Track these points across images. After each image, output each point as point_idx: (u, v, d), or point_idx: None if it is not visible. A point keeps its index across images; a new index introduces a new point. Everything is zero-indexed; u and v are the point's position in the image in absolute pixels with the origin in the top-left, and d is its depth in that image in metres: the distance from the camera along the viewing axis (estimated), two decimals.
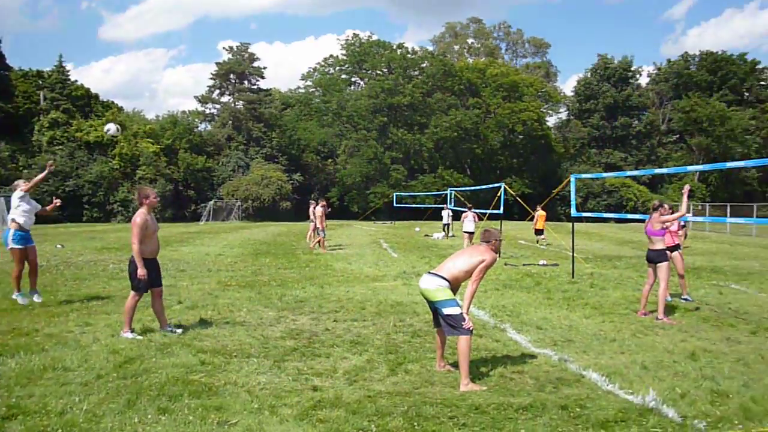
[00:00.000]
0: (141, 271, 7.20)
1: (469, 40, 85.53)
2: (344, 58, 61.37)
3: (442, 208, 29.83)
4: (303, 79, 63.46)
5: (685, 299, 10.86)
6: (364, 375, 6.04)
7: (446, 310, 5.85)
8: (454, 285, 6.03)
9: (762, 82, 77.92)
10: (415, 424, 4.71)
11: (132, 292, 7.40)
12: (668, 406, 5.10)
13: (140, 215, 7.33)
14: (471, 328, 5.85)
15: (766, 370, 6.32)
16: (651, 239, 9.34)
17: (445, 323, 5.91)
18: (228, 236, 28.09)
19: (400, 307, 9.71)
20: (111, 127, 11.70)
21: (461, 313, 5.84)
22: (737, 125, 67.65)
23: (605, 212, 50.32)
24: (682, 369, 6.32)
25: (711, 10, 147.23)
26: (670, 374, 6.11)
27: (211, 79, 59.35)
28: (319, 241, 19.80)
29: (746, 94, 76.27)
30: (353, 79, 63.64)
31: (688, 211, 15.39)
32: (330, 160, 59.68)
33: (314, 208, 20.50)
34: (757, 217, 41.37)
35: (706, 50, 78.06)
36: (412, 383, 5.80)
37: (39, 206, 9.95)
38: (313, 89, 62.32)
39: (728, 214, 42.25)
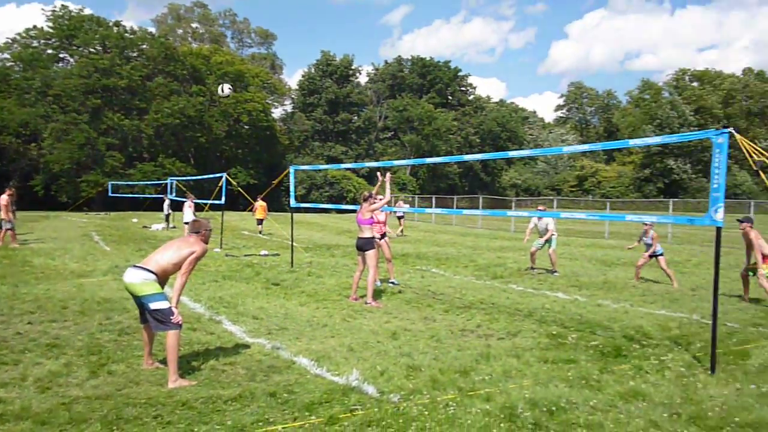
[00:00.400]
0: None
1: (194, 25, 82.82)
2: (51, 31, 55.18)
3: (163, 199, 28.53)
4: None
5: (392, 283, 11.77)
6: (60, 380, 5.50)
7: (153, 305, 5.59)
8: (162, 278, 5.78)
9: (462, 88, 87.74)
10: (114, 428, 4.41)
11: None
12: (369, 384, 5.46)
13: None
14: (180, 323, 5.66)
15: (454, 344, 7.10)
16: (361, 228, 9.89)
17: (152, 318, 5.63)
18: None
19: (108, 305, 9.04)
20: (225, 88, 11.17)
21: (169, 308, 5.63)
22: (442, 125, 75.31)
23: (327, 203, 52.46)
24: (384, 348, 6.81)
25: (423, 20, 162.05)
26: (373, 354, 6.55)
27: None
28: (6, 234, 17.29)
29: (450, 97, 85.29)
30: (62, 56, 57.52)
31: (395, 203, 16.58)
32: (34, 144, 53.32)
33: None
34: (456, 208, 46.50)
35: (417, 56, 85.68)
36: (115, 385, 5.42)
37: None
38: (12, 63, 55.00)
39: (433, 205, 46.83)
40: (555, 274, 13.71)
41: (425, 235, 27.37)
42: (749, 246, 10.50)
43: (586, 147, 8.12)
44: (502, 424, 4.57)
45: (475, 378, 5.73)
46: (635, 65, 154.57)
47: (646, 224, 12.63)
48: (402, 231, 26.79)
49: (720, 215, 5.90)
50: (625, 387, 5.48)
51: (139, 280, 5.66)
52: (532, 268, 14.25)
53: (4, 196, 17.21)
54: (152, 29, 67.88)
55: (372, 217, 9.94)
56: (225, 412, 4.78)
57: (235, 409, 4.85)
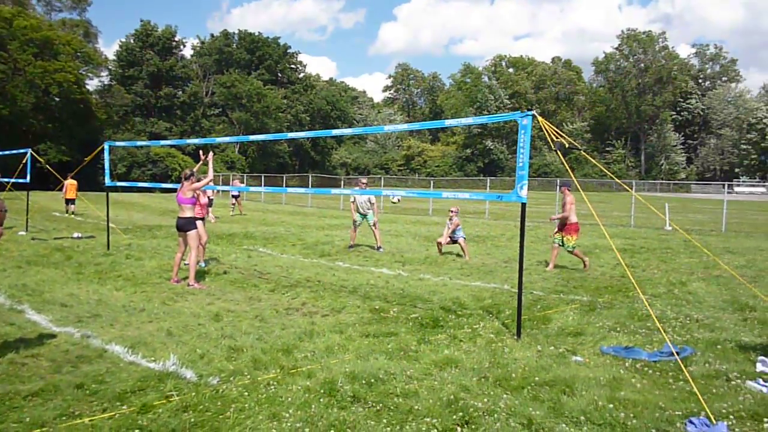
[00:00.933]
0: None
1: None
2: None
3: None
4: None
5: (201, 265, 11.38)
6: None
7: None
8: None
9: (292, 66, 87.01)
10: None
11: None
12: (187, 368, 5.27)
13: None
14: None
15: (279, 323, 7.06)
16: (182, 207, 9.51)
17: None
18: None
19: None
20: None
21: None
22: (272, 102, 74.30)
23: (150, 182, 49.90)
24: (205, 331, 6.61)
25: None
26: (194, 337, 6.34)
27: None
28: None
29: (279, 74, 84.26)
30: None
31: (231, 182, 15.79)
32: None
33: None
34: (286, 186, 46.25)
35: (245, 30, 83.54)
36: None
37: None
38: None
39: (263, 184, 46.22)
40: (380, 250, 14.09)
41: (254, 215, 26.93)
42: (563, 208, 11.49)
43: (406, 126, 8.38)
44: (321, 399, 4.62)
45: (298, 356, 5.74)
46: (459, 50, 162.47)
47: (451, 211, 13.40)
48: (240, 211, 26.28)
49: (524, 192, 6.34)
50: (440, 355, 5.76)
51: None
52: (351, 246, 14.48)
53: None
54: None
55: (194, 196, 9.61)
56: (23, 408, 4.39)
57: (35, 404, 4.47)
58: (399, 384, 4.97)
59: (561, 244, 11.41)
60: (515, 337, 6.45)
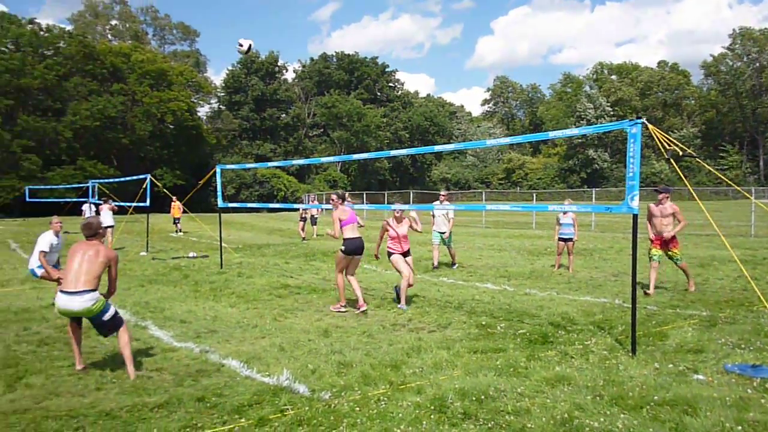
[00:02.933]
0: None
1: (113, 22, 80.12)
2: None
3: (84, 202, 27.53)
4: None
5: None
6: None
7: (106, 316, 5.86)
8: (98, 288, 5.89)
9: (390, 84, 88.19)
10: None
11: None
12: (300, 383, 5.41)
13: None
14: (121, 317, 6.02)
15: (386, 338, 7.12)
16: (353, 228, 9.07)
17: (104, 328, 5.90)
18: None
19: (27, 314, 8.65)
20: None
21: (116, 311, 5.99)
22: (371, 121, 75.49)
23: (256, 202, 51.79)
24: (315, 346, 6.77)
25: (352, 16, 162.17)
26: (305, 352, 6.50)
27: None
28: None
29: (378, 93, 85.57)
30: None
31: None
32: None
33: None
34: (387, 203, 46.70)
35: (342, 52, 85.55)
36: (33, 398, 5.19)
37: None
38: None
39: (365, 201, 46.90)
40: (455, 266, 13.71)
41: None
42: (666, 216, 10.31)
43: (509, 140, 8.28)
44: (432, 416, 4.61)
45: (406, 371, 5.76)
46: (558, 59, 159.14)
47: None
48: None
49: (636, 203, 6.12)
50: (551, 372, 5.62)
51: (92, 301, 5.76)
52: (435, 267, 13.73)
53: None
54: (69, 27, 65.22)
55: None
56: (151, 420, 4.64)
57: (161, 416, 4.72)
58: (510, 401, 4.89)
59: (670, 258, 10.55)
60: (630, 353, 6.20)
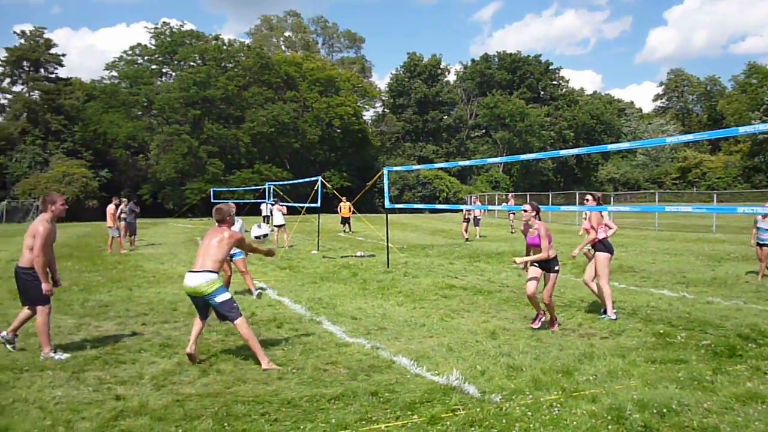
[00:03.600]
0: (46, 287, 6.57)
1: (286, 33, 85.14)
2: (153, 47, 58.27)
3: (262, 203, 29.56)
4: (107, 69, 59.06)
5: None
6: (173, 379, 5.79)
7: (219, 298, 6.22)
8: (218, 272, 6.37)
9: (554, 82, 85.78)
10: (225, 424, 4.59)
11: (40, 308, 6.60)
12: (469, 384, 5.43)
13: (43, 223, 6.59)
14: (240, 310, 6.33)
15: (555, 344, 6.95)
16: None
17: (220, 311, 6.29)
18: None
19: None
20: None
21: (231, 298, 6.34)
22: (534, 121, 73.89)
23: (419, 203, 52.55)
24: (483, 348, 6.75)
25: (514, 15, 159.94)
26: (473, 353, 6.51)
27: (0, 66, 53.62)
28: (114, 241, 18.24)
29: (541, 92, 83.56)
30: (164, 70, 60.63)
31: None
32: (141, 156, 56.43)
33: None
34: (552, 204, 45.51)
35: (503, 51, 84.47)
36: (223, 383, 5.65)
37: None
38: (119, 80, 58.31)
39: (528, 202, 45.98)
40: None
41: (521, 233, 26.89)
42: None
43: (690, 137, 7.76)
44: (609, 426, 4.43)
45: (579, 378, 5.59)
46: (740, 49, 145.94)
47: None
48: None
49: None
50: (742, 388, 5.19)
51: (205, 281, 6.21)
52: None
53: (111, 206, 18.30)
54: (248, 41, 70.24)
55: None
56: (329, 410, 4.88)
57: (338, 407, 4.94)
58: (695, 417, 4.58)
59: None
60: None
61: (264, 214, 28.81)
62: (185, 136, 53.23)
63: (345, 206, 26.94)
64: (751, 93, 79.89)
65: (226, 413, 4.82)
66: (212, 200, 40.75)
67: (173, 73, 59.84)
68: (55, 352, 6.55)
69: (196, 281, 6.20)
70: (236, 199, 44.62)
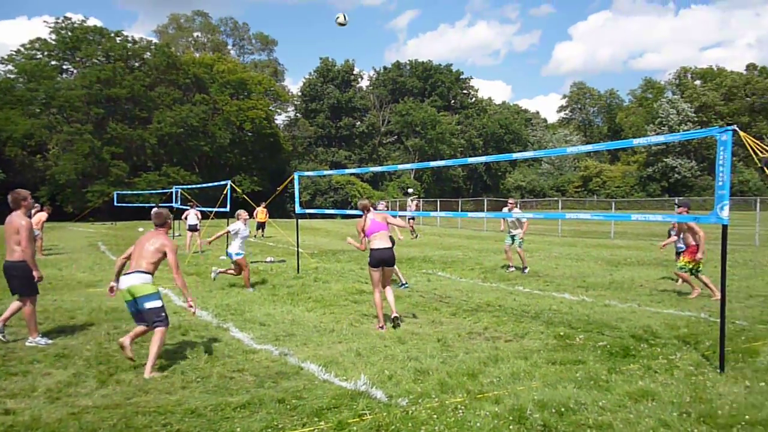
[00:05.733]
0: (37, 273, 7.28)
1: (195, 34, 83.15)
2: (53, 42, 55.41)
3: (171, 207, 28.68)
4: (3, 63, 55.56)
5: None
6: (69, 390, 5.52)
7: (149, 304, 6.22)
8: (152, 273, 6.44)
9: (465, 91, 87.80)
10: None
11: (29, 298, 7.30)
12: (377, 388, 5.46)
13: (23, 218, 7.25)
14: (168, 319, 6.42)
15: (462, 347, 7.09)
16: (383, 236, 8.50)
17: (147, 316, 6.27)
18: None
19: (116, 314, 9.05)
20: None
21: (162, 306, 6.35)
22: (445, 129, 75.33)
23: (331, 208, 52.49)
24: (392, 353, 6.80)
25: (429, 24, 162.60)
26: (381, 358, 6.55)
27: None
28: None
29: (452, 100, 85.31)
30: (65, 66, 57.74)
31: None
32: (39, 156, 53.49)
33: None
34: (461, 210, 46.52)
35: (415, 59, 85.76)
36: (124, 394, 5.44)
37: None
38: (16, 75, 55.05)
39: (438, 209, 46.81)
40: (525, 271, 14.08)
41: (431, 239, 27.33)
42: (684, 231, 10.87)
43: (589, 147, 8.12)
44: (511, 426, 4.56)
45: (484, 381, 5.72)
46: (639, 65, 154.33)
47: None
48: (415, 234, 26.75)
49: (726, 213, 5.89)
50: (634, 387, 5.46)
51: (140, 282, 6.29)
52: (509, 267, 14.60)
53: (44, 214, 17.74)
54: (155, 39, 68.03)
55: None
56: (234, 419, 4.78)
57: (244, 416, 4.85)
58: (591, 415, 4.78)
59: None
60: (718, 370, 5.95)
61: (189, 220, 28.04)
62: (87, 135, 50.89)
63: (261, 211, 26.53)
64: (647, 107, 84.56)
65: (126, 425, 4.65)
66: (116, 203, 39.26)
67: (75, 70, 57.15)
68: (41, 337, 7.31)
69: (130, 281, 6.28)
70: (141, 202, 43.16)
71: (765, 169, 6.15)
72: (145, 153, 55.09)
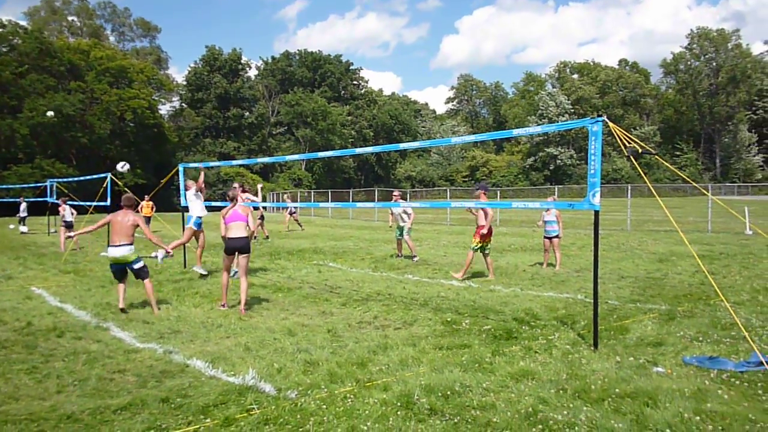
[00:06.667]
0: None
1: (70, 18, 78.49)
2: None
3: (45, 202, 26.98)
4: None
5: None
6: None
7: (137, 266, 8.85)
8: (133, 243, 8.78)
9: (355, 82, 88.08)
10: None
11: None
12: (266, 382, 5.39)
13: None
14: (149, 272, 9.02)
15: (351, 337, 7.12)
16: (238, 226, 9.10)
17: (137, 274, 8.86)
18: None
19: None
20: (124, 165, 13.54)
21: (145, 264, 8.96)
22: (336, 119, 75.31)
23: (220, 201, 51.29)
24: (281, 345, 6.73)
25: (318, 15, 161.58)
26: (270, 351, 6.47)
27: None
28: None
29: (342, 91, 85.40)
30: None
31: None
32: None
33: None
34: (353, 201, 46.72)
35: (304, 50, 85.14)
36: None
37: None
38: None
39: (330, 199, 46.79)
40: (415, 260, 14.45)
41: (322, 230, 27.29)
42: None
43: (474, 137, 8.36)
44: (399, 412, 4.63)
45: (373, 369, 5.78)
46: (521, 59, 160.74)
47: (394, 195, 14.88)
48: (288, 227, 26.58)
49: (597, 199, 6.23)
50: (516, 367, 5.69)
51: (129, 252, 8.73)
52: (398, 256, 15.16)
53: None
54: (25, 23, 63.57)
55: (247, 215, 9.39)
56: (114, 422, 4.57)
57: (124, 418, 4.65)
58: (475, 396, 4.94)
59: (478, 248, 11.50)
60: (592, 348, 6.31)
61: (65, 216, 26.60)
62: None
63: (147, 205, 25.37)
64: (529, 99, 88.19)
65: None
66: None
67: None
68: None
69: (121, 252, 8.65)
70: (12, 197, 40.29)
71: (632, 158, 6.55)
72: (15, 144, 51.48)
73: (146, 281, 8.81)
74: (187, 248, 14.21)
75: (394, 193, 15.39)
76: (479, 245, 11.42)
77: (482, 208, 11.43)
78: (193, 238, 12.83)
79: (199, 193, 12.89)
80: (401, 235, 14.78)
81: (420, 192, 64.32)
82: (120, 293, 8.79)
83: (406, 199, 13.94)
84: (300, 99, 75.01)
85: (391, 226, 15.26)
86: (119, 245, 8.56)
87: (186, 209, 13.20)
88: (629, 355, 6.03)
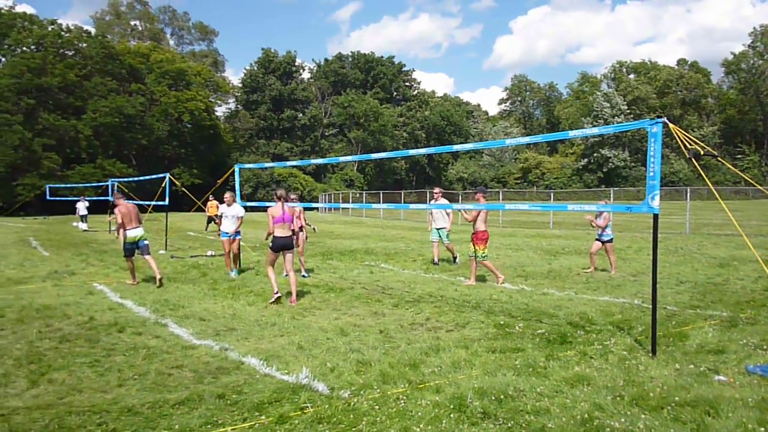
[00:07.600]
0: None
1: (133, 22, 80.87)
2: None
3: (107, 201, 27.90)
4: None
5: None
6: None
7: (145, 242, 11.54)
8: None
9: (407, 83, 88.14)
10: None
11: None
12: (319, 381, 5.43)
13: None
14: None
15: (404, 338, 7.13)
16: (286, 226, 9.74)
17: (143, 250, 11.41)
18: None
19: (48, 311, 8.74)
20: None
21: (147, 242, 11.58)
22: (388, 121, 75.50)
23: (273, 201, 51.96)
24: (333, 345, 6.78)
25: (371, 17, 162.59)
26: (323, 351, 6.52)
27: None
28: None
29: (394, 93, 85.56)
30: None
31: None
32: None
33: None
34: (404, 202, 46.76)
35: (357, 51, 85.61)
36: (56, 394, 5.25)
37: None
38: None
39: (381, 201, 46.94)
40: (457, 260, 14.24)
41: (374, 231, 27.39)
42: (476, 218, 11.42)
43: (527, 139, 8.26)
44: (451, 415, 4.61)
45: (425, 370, 5.76)
46: (575, 58, 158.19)
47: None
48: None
49: (656, 202, 6.08)
50: (571, 372, 5.60)
51: (142, 233, 11.54)
52: (435, 263, 14.20)
53: None
54: (91, 27, 65.76)
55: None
56: (172, 416, 4.68)
57: (182, 412, 4.76)
58: (529, 401, 4.88)
59: (474, 255, 11.24)
60: (650, 354, 6.15)
61: (81, 213, 28.30)
62: (17, 126, 48.86)
63: (213, 204, 25.95)
64: (584, 100, 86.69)
65: (58, 426, 4.50)
66: (48, 197, 37.81)
67: (2, 58, 54.76)
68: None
69: (140, 232, 11.52)
70: (75, 196, 41.70)
71: (693, 160, 6.37)
72: (79, 145, 53.30)
73: (148, 257, 11.40)
74: (242, 248, 14.45)
75: (435, 191, 14.63)
76: (484, 251, 11.21)
77: (477, 211, 11.36)
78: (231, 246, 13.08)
79: (235, 218, 13.19)
80: (439, 238, 14.15)
81: (471, 194, 63.96)
82: (132, 269, 11.62)
83: (448, 200, 13.60)
84: (352, 100, 75.48)
85: (429, 230, 14.73)
86: (136, 227, 11.43)
87: (245, 209, 13.58)
88: (689, 363, 5.86)
